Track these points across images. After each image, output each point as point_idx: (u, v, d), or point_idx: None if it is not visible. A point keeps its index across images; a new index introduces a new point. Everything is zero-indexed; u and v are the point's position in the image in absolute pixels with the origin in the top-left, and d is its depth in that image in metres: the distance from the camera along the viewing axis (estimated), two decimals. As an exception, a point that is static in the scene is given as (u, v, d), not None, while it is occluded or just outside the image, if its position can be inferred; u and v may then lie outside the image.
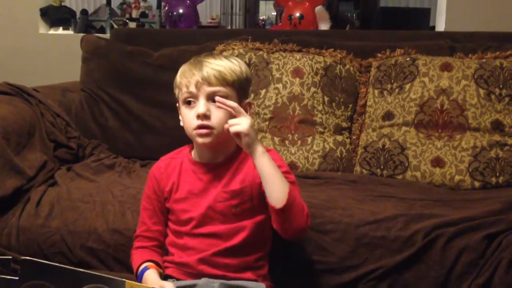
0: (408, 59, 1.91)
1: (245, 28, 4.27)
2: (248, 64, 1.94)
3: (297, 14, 2.75)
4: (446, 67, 1.84)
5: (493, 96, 1.78)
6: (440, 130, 1.79)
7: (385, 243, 1.38)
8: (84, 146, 1.99)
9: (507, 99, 1.78)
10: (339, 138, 1.91)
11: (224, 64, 1.21)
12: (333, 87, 1.94)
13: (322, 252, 1.40)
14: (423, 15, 4.14)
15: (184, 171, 1.27)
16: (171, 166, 1.29)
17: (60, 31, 3.08)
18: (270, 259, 1.29)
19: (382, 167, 1.81)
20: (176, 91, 1.26)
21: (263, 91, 1.93)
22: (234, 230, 1.21)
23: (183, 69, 1.24)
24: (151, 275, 1.20)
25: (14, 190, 1.58)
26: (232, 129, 1.14)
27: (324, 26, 2.77)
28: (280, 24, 3.24)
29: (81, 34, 2.69)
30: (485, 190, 1.69)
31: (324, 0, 2.83)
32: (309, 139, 1.88)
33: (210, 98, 1.19)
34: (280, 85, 1.92)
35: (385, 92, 1.90)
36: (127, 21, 3.81)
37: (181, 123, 1.25)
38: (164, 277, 1.23)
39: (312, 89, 1.91)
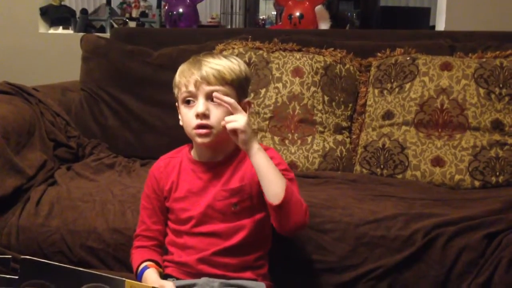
0: (408, 58, 1.91)
1: (245, 28, 4.27)
2: (248, 64, 1.94)
3: (297, 14, 2.75)
4: (446, 67, 1.84)
5: (493, 96, 1.78)
6: (440, 130, 1.79)
7: (385, 243, 1.38)
8: (84, 145, 1.99)
9: (507, 98, 1.78)
10: (339, 137, 1.91)
11: (223, 63, 1.21)
12: (333, 86, 1.94)
13: (322, 251, 1.40)
14: (423, 15, 4.14)
15: (184, 170, 1.27)
16: (171, 165, 1.29)
17: (60, 30, 3.08)
18: (270, 258, 1.29)
19: (382, 166, 1.81)
20: (175, 91, 1.26)
21: (263, 91, 1.93)
22: (233, 229, 1.21)
23: (182, 68, 1.24)
24: (151, 274, 1.20)
25: (14, 190, 1.58)
26: (229, 126, 1.14)
27: (324, 25, 2.77)
28: (280, 23, 3.24)
29: (81, 34, 2.69)
30: (485, 190, 1.69)
31: (324, 0, 2.83)
32: (309, 139, 1.88)
33: (209, 97, 1.19)
34: (280, 85, 1.92)
35: (385, 92, 1.90)
36: (127, 20, 3.81)
37: (181, 123, 1.25)
38: (164, 276, 1.23)
39: (312, 89, 1.91)
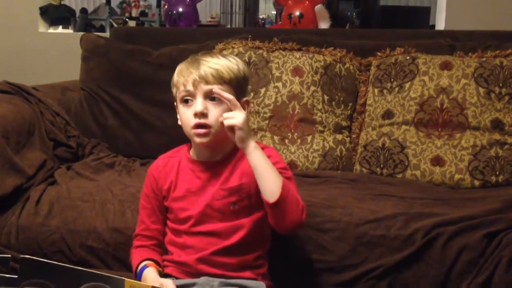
0: (408, 57, 1.91)
1: (244, 27, 4.27)
2: (248, 63, 1.94)
3: (297, 13, 2.74)
4: (446, 66, 1.84)
5: (493, 95, 1.78)
6: (440, 129, 1.79)
7: (385, 242, 1.38)
8: (83, 145, 1.99)
9: (507, 97, 1.77)
10: (339, 137, 1.90)
11: (221, 62, 1.21)
12: (333, 85, 1.94)
13: (322, 251, 1.40)
14: (423, 14, 4.14)
15: (182, 170, 1.27)
16: (169, 165, 1.29)
17: (60, 30, 3.08)
18: (270, 258, 1.29)
19: (382, 166, 1.81)
20: (174, 90, 1.26)
21: (262, 90, 1.93)
22: (232, 228, 1.21)
23: (180, 67, 1.24)
24: (150, 273, 1.20)
25: (14, 189, 1.58)
26: (226, 122, 1.14)
27: (324, 25, 2.77)
28: (280, 23, 3.24)
29: (81, 33, 2.68)
30: (485, 189, 1.69)
31: (324, -1, 2.84)
32: (309, 138, 1.88)
33: (208, 96, 1.19)
34: (280, 84, 1.92)
35: (385, 91, 1.90)
36: (127, 20, 3.81)
37: (179, 122, 1.25)
38: (164, 276, 1.22)
39: (312, 88, 1.91)
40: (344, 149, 1.88)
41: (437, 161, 1.75)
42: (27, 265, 0.99)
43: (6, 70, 2.75)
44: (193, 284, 1.18)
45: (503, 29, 2.12)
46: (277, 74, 1.93)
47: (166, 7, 3.20)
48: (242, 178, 1.22)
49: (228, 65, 1.21)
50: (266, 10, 5.31)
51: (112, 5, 3.80)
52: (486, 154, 1.73)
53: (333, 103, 1.93)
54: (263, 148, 1.19)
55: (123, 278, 1.00)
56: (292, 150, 1.87)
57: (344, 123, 1.94)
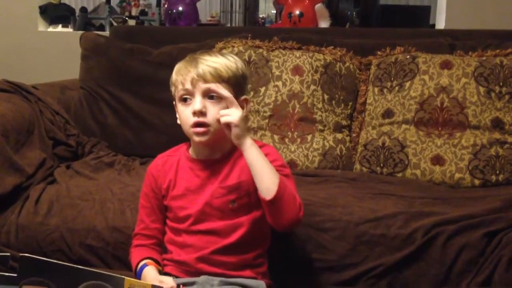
0: (408, 57, 1.90)
1: (244, 26, 4.27)
2: (248, 62, 1.94)
3: (297, 12, 2.75)
4: (446, 65, 1.84)
5: (493, 94, 1.78)
6: (440, 128, 1.78)
7: (385, 241, 1.37)
8: (83, 143, 1.99)
9: (507, 97, 1.77)
10: (339, 136, 1.90)
11: (219, 61, 1.21)
12: (333, 85, 1.93)
13: (322, 250, 1.40)
14: (423, 13, 4.14)
15: (181, 168, 1.27)
16: (168, 164, 1.29)
17: (59, 28, 3.08)
18: (270, 257, 1.28)
19: (382, 165, 1.81)
20: (172, 89, 1.26)
21: (262, 89, 1.92)
22: (232, 226, 1.21)
23: (179, 66, 1.24)
24: (150, 271, 1.20)
25: (13, 188, 1.57)
26: (223, 119, 1.15)
27: (324, 23, 2.77)
28: (280, 22, 3.24)
29: (80, 32, 2.68)
30: (485, 188, 1.69)
31: (324, -2, 2.84)
32: (309, 137, 1.87)
33: (206, 95, 1.19)
34: (279, 83, 1.92)
35: (385, 90, 1.90)
36: (127, 18, 3.81)
37: (178, 121, 1.25)
38: (163, 275, 1.22)
39: (312, 87, 1.91)
40: (344, 148, 1.88)
41: (437, 160, 1.75)
42: (27, 264, 0.99)
43: (5, 69, 2.74)
44: (193, 283, 1.18)
45: (503, 28, 2.11)
46: (277, 73, 1.93)
47: (166, 6, 3.20)
48: (241, 176, 1.22)
49: (226, 63, 1.21)
50: (266, 9, 5.32)
51: (112, 4, 3.80)
52: (486, 153, 1.73)
53: (333, 102, 1.93)
54: (262, 147, 1.19)
55: (123, 276, 1.00)
56: (292, 149, 1.86)
57: (344, 122, 1.94)
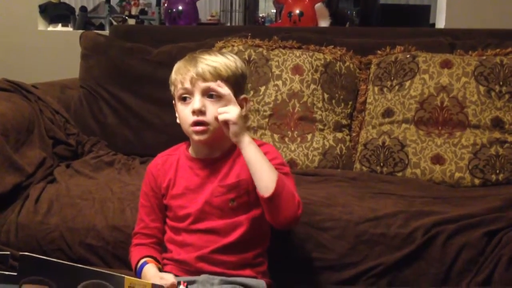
0: (408, 56, 1.90)
1: (244, 25, 4.26)
2: (248, 61, 1.94)
3: (297, 11, 2.74)
4: (446, 64, 1.84)
5: (493, 93, 1.78)
6: (440, 127, 1.78)
7: (385, 240, 1.37)
8: (83, 143, 1.99)
9: (507, 96, 1.77)
10: (339, 135, 1.90)
11: (219, 60, 1.21)
12: (333, 84, 1.93)
13: (322, 249, 1.40)
14: (423, 12, 4.14)
15: (181, 168, 1.27)
16: (168, 163, 1.29)
17: (59, 28, 3.08)
18: (270, 256, 1.28)
19: (382, 164, 1.81)
20: (172, 88, 1.26)
21: (262, 88, 1.92)
22: (231, 225, 1.21)
23: (178, 65, 1.24)
24: (150, 269, 1.20)
25: (13, 187, 1.57)
26: (221, 117, 1.15)
27: (324, 23, 2.77)
28: (280, 21, 3.24)
29: (80, 31, 2.68)
30: (485, 188, 1.69)
31: (324, -2, 2.84)
32: (309, 136, 1.87)
33: (205, 93, 1.19)
34: (279, 82, 1.92)
35: (385, 89, 1.90)
36: (126, 18, 3.81)
37: (178, 120, 1.25)
38: (163, 274, 1.22)
39: (312, 86, 1.91)
40: (344, 148, 1.88)
41: (437, 159, 1.75)
42: (26, 262, 0.98)
43: (5, 68, 2.74)
44: (193, 282, 1.18)
45: (503, 28, 2.12)
46: (277, 72, 1.93)
47: (165, 5, 3.20)
48: (240, 175, 1.22)
49: (225, 62, 1.21)
50: (266, 8, 5.32)
51: (111, 3, 3.80)
52: (486, 152, 1.72)
53: (333, 101, 1.93)
54: (261, 145, 1.20)
55: (123, 275, 1.00)
56: (292, 149, 1.86)
57: (344, 122, 1.94)
